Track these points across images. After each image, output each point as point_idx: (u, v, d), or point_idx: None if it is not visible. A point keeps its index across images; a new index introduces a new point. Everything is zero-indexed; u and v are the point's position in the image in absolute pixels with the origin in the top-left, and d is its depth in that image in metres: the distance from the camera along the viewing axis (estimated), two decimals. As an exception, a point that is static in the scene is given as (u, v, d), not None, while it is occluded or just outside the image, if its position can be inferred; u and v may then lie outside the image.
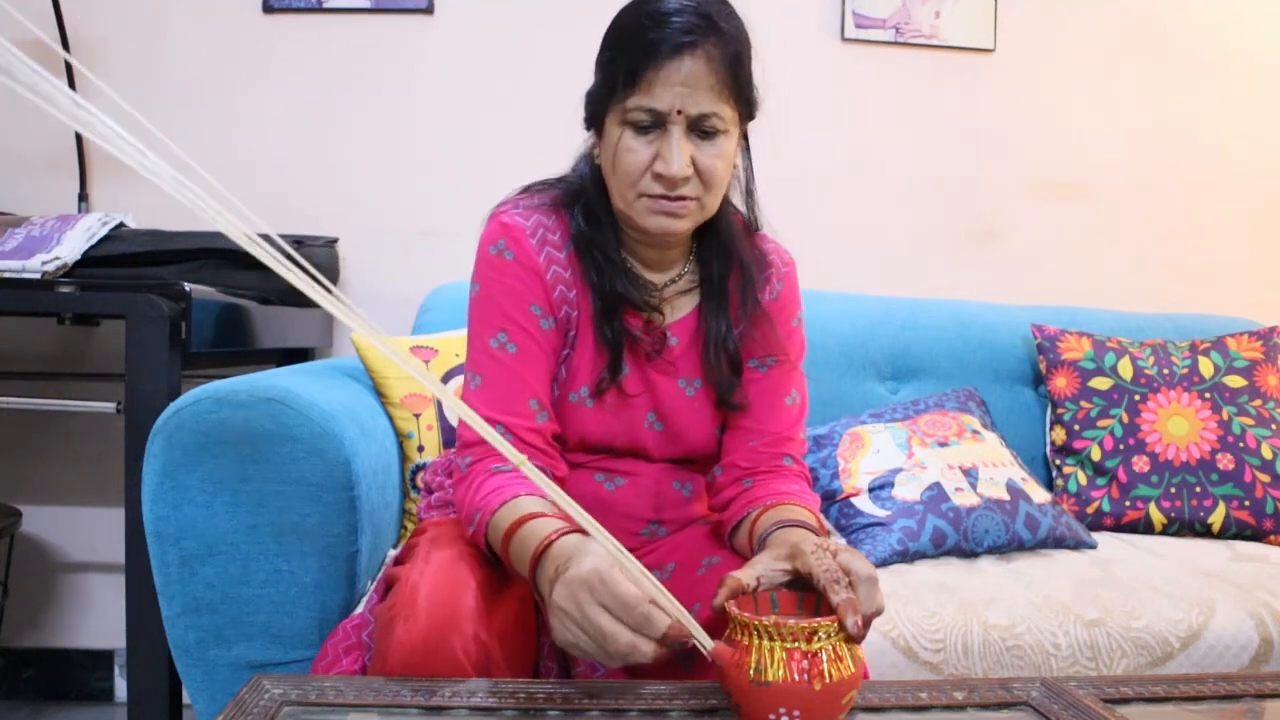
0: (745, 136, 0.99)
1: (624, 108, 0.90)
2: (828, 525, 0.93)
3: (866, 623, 0.69)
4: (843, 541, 1.31)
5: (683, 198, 0.91)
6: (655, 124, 0.89)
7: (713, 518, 1.10)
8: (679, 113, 0.88)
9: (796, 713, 0.64)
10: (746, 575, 0.75)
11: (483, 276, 0.98)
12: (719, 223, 1.00)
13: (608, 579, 0.69)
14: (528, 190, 1.03)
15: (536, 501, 0.86)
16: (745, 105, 0.93)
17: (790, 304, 1.06)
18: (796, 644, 0.65)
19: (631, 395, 1.01)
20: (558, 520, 0.81)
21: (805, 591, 0.75)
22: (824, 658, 0.64)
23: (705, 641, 0.69)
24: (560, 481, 0.97)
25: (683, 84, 0.87)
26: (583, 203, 1.00)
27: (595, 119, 0.96)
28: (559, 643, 0.72)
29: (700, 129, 0.89)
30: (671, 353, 1.03)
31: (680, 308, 1.04)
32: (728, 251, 1.02)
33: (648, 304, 1.00)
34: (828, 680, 0.64)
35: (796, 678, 0.64)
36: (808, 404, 1.07)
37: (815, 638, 0.65)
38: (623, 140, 0.91)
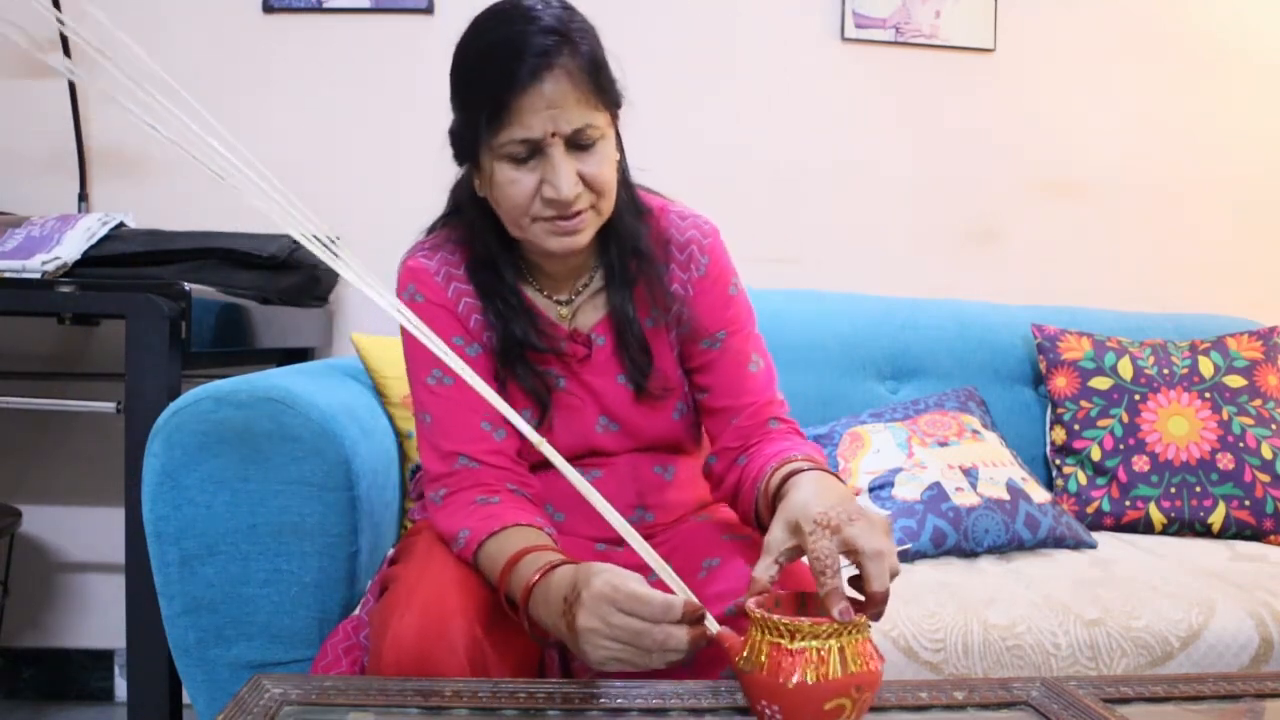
0: (617, 126, 0.98)
1: (496, 143, 0.88)
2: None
3: (874, 601, 0.70)
4: (864, 505, 1.30)
5: (578, 212, 0.90)
6: (533, 152, 0.88)
7: (710, 510, 1.10)
8: (554, 135, 0.86)
9: (776, 707, 0.65)
10: (765, 572, 0.75)
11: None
12: (614, 218, 0.98)
13: (620, 586, 0.73)
14: (432, 230, 1.05)
15: (531, 533, 0.89)
16: (613, 104, 0.92)
17: (721, 274, 1.03)
18: (779, 640, 0.65)
19: (575, 405, 1.02)
20: (550, 553, 0.84)
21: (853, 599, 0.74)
22: (802, 658, 0.64)
23: (712, 625, 0.72)
24: (534, 501, 0.98)
25: (550, 106, 0.85)
26: (476, 241, 0.99)
27: (467, 155, 0.94)
28: (595, 664, 0.74)
29: (578, 143, 0.88)
30: (601, 353, 1.02)
31: (599, 307, 1.03)
32: (625, 244, 1.00)
33: (550, 345, 1.00)
34: (803, 681, 0.64)
35: (770, 673, 0.65)
36: (774, 366, 1.05)
37: (796, 637, 0.65)
38: (503, 174, 0.89)
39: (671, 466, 1.07)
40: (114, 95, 0.54)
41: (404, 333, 0.99)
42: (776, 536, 0.77)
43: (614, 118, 0.93)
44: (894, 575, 0.71)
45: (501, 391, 1.01)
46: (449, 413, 0.97)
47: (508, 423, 0.97)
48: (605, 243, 1.00)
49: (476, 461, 0.97)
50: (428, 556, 0.93)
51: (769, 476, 0.91)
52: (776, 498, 0.86)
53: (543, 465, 1.02)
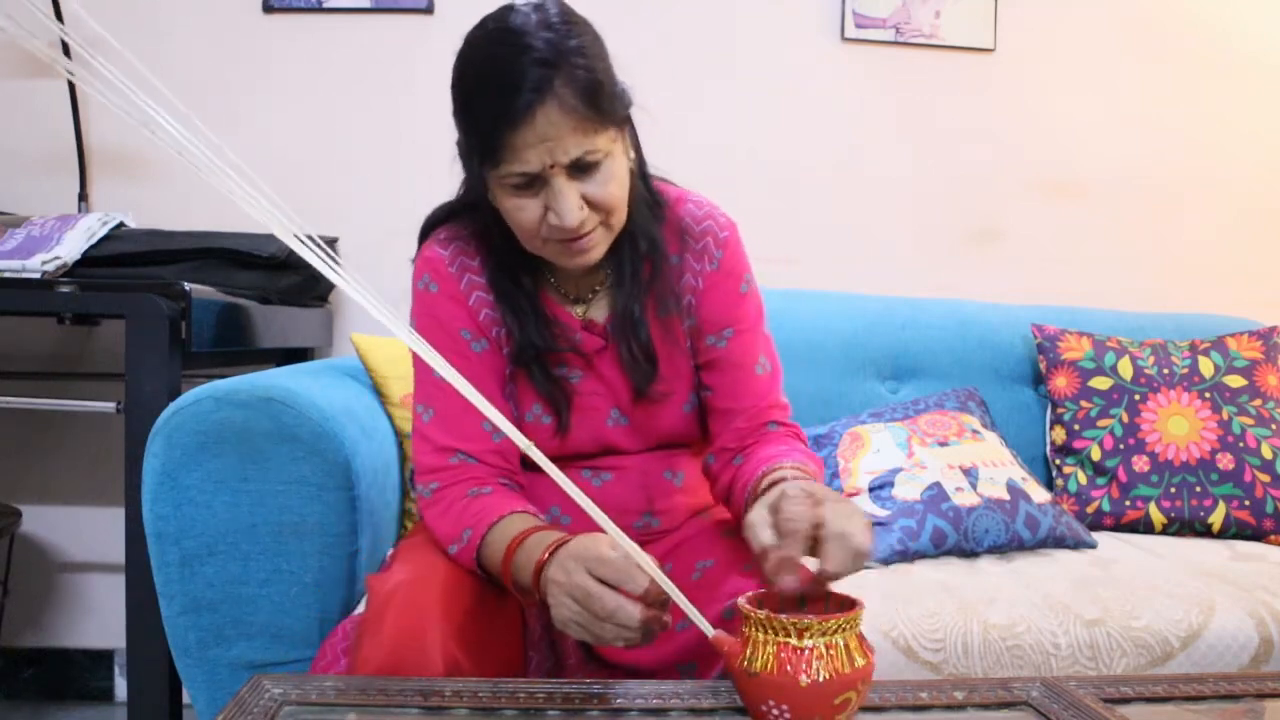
0: (630, 125, 0.95)
1: (496, 175, 0.87)
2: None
3: (823, 578, 0.71)
4: (842, 467, 1.30)
5: (588, 233, 0.89)
6: (533, 180, 0.86)
7: (709, 511, 1.10)
8: (552, 166, 0.84)
9: (785, 707, 0.65)
10: (766, 537, 0.75)
11: (417, 312, 1.00)
12: (629, 216, 0.97)
13: (591, 546, 0.75)
14: (440, 215, 1.04)
15: (526, 519, 0.90)
16: (616, 118, 0.89)
17: (734, 270, 1.02)
18: (787, 639, 0.65)
19: (590, 400, 1.01)
20: (556, 531, 0.84)
21: (833, 593, 0.74)
22: (813, 655, 0.65)
23: (706, 628, 0.72)
24: (525, 494, 0.99)
25: (544, 140, 0.83)
26: (492, 241, 0.98)
27: (474, 176, 0.94)
28: (558, 623, 0.76)
29: (580, 167, 0.86)
30: (614, 347, 1.02)
31: (611, 302, 1.03)
32: (637, 243, 0.98)
33: (568, 345, 1.00)
34: (815, 678, 0.64)
35: (781, 672, 0.65)
36: (780, 368, 1.05)
37: (806, 634, 0.65)
38: (508, 201, 0.89)
39: (681, 472, 1.07)
40: (109, 100, 0.54)
41: (418, 325, 0.99)
42: (756, 510, 0.77)
43: (620, 126, 0.91)
44: (858, 566, 0.72)
45: (513, 390, 1.01)
46: (452, 409, 0.96)
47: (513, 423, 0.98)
48: (618, 241, 0.99)
49: (473, 458, 0.97)
50: (405, 568, 0.91)
51: (759, 480, 0.91)
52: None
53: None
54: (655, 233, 1.00)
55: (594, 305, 1.02)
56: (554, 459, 1.00)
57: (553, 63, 0.82)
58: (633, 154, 0.96)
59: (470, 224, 1.01)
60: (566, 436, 1.01)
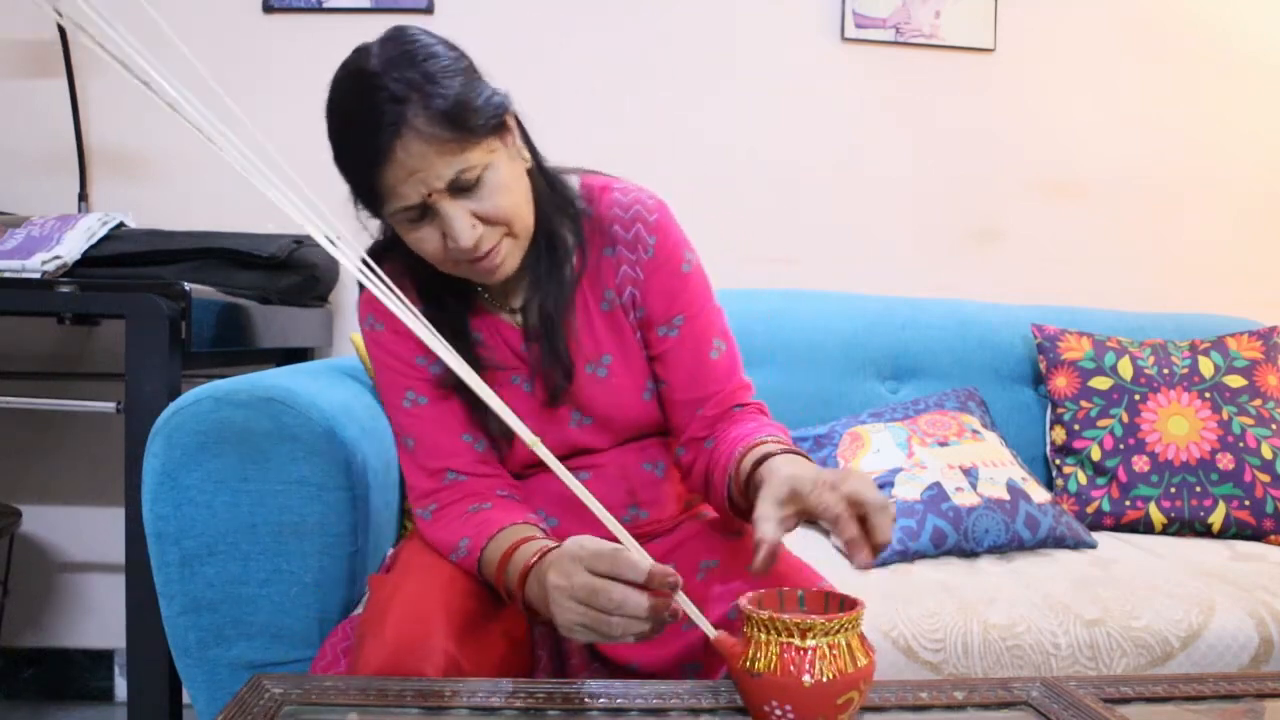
0: (518, 124, 0.94)
1: (386, 213, 0.88)
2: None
3: (876, 549, 0.73)
4: (842, 466, 1.31)
5: (491, 249, 0.89)
6: (423, 211, 0.86)
7: (696, 505, 1.10)
8: (430, 195, 0.84)
9: (788, 707, 0.65)
10: (770, 531, 0.74)
11: (370, 353, 1.02)
12: (538, 219, 0.96)
13: (586, 543, 0.74)
14: (385, 250, 1.02)
15: (526, 528, 0.90)
16: (488, 128, 0.87)
17: (671, 253, 0.99)
18: (790, 639, 0.65)
19: (549, 407, 1.01)
20: (543, 540, 0.85)
21: (832, 592, 0.75)
22: (817, 655, 0.65)
23: (709, 629, 0.72)
24: (524, 502, 0.99)
25: (413, 172, 0.83)
26: (416, 273, 0.97)
27: (374, 215, 0.93)
28: (563, 629, 0.75)
29: (460, 187, 0.85)
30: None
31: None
32: (555, 247, 0.98)
33: (506, 360, 1.00)
34: (819, 678, 0.64)
35: (785, 672, 0.65)
36: (736, 345, 1.03)
37: (809, 634, 0.65)
38: (408, 235, 0.89)
39: (661, 462, 1.07)
40: (147, 85, 0.54)
41: (375, 363, 1.02)
42: (765, 504, 0.76)
43: (496, 132, 0.89)
44: (884, 542, 0.74)
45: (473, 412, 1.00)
46: (430, 432, 0.98)
47: (485, 431, 0.99)
48: (532, 245, 0.97)
49: (464, 474, 0.98)
50: (406, 569, 0.93)
51: (739, 460, 0.89)
52: (750, 482, 0.85)
53: (534, 468, 1.02)
54: (568, 230, 0.98)
55: (528, 313, 1.02)
56: (528, 468, 1.02)
57: (403, 97, 0.82)
58: (527, 154, 0.95)
59: (400, 257, 0.99)
60: (518, 449, 1.01)
